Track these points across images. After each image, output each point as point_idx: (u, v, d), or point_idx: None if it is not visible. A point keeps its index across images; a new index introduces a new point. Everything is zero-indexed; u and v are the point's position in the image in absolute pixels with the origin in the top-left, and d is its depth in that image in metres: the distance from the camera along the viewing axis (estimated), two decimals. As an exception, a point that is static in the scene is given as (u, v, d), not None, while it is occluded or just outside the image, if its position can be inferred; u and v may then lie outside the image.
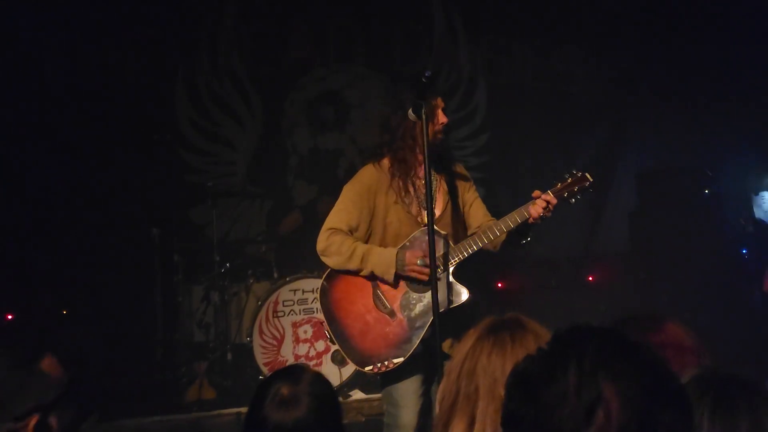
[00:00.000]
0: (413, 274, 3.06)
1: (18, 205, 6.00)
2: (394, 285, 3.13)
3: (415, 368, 3.08)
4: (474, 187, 3.41)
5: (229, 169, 6.92)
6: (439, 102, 3.22)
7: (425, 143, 2.83)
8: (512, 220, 3.07)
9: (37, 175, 6.15)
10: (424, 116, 2.84)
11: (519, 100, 7.53)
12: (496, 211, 3.33)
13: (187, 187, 6.61)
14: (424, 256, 3.01)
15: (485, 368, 1.47)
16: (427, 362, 3.09)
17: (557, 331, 1.11)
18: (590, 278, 6.97)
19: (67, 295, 6.07)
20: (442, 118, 3.19)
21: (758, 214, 7.24)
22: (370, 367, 3.06)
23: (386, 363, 3.04)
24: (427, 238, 2.98)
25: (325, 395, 1.81)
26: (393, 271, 3.06)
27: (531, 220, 3.06)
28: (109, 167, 6.25)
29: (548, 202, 3.04)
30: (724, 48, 7.15)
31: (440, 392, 1.56)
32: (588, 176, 3.12)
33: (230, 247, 6.23)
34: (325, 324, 3.18)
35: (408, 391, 3.07)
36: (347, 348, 3.13)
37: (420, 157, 3.16)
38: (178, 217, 6.46)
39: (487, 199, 3.44)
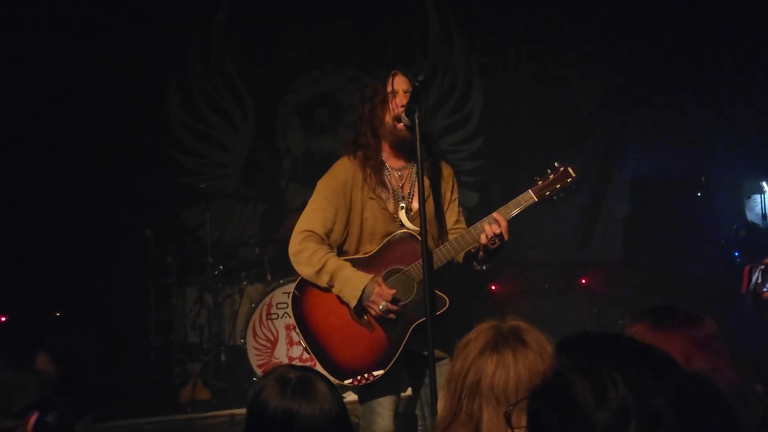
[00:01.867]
0: (373, 313, 2.85)
1: (11, 207, 6.00)
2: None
3: (394, 376, 2.96)
4: (456, 185, 3.17)
5: (222, 171, 6.92)
6: (398, 81, 2.91)
7: (418, 148, 2.66)
8: (464, 240, 2.85)
9: (30, 177, 6.15)
10: (417, 120, 2.66)
11: (514, 105, 7.54)
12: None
13: (180, 189, 6.61)
14: (390, 300, 2.80)
15: (490, 387, 1.48)
16: (405, 369, 3.01)
17: (574, 342, 1.01)
18: (583, 281, 6.99)
19: (61, 297, 6.07)
20: (400, 101, 2.85)
21: (750, 217, 7.28)
22: (350, 380, 2.90)
23: (366, 376, 2.88)
24: (403, 245, 2.90)
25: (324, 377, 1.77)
26: (354, 303, 2.84)
27: (482, 248, 2.82)
28: (102, 169, 6.26)
29: (496, 225, 2.78)
30: (718, 54, 7.20)
31: (440, 401, 1.60)
32: (570, 171, 2.86)
33: (224, 249, 6.24)
34: (300, 335, 2.99)
35: (385, 397, 2.96)
36: (324, 360, 2.93)
37: (386, 146, 3.00)
38: (172, 219, 6.48)
39: (481, 203, 3.23)
